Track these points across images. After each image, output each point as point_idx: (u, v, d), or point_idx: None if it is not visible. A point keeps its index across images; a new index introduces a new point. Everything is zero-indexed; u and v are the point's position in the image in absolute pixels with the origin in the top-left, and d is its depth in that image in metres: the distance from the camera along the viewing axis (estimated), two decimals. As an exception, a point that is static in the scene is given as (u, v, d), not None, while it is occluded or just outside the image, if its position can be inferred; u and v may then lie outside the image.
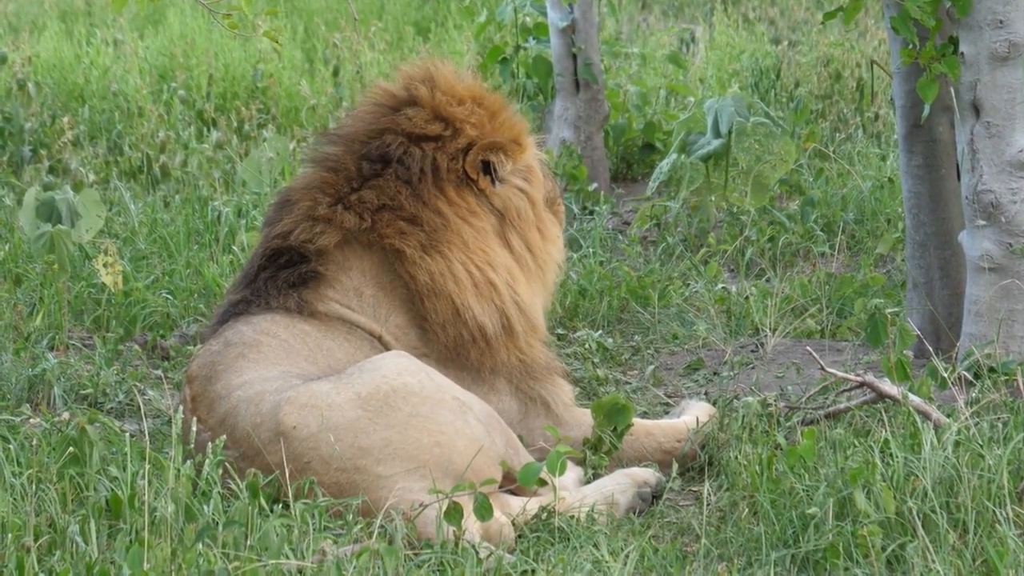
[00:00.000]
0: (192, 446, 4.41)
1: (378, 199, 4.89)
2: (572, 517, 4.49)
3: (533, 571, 4.14)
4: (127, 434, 4.51)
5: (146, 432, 4.49)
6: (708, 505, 4.57)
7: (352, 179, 4.93)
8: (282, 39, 10.80)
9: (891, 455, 4.29)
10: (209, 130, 9.70)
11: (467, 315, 4.89)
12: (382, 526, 4.21)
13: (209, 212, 7.55)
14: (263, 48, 10.44)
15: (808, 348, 5.46)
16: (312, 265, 4.86)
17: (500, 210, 5.01)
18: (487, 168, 4.97)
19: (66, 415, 4.82)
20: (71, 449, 4.37)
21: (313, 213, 4.90)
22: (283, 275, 4.86)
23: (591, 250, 7.24)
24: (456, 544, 4.20)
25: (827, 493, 4.20)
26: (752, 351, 6.16)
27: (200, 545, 3.93)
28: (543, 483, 4.49)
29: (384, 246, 4.88)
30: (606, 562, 4.16)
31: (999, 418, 4.68)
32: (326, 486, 4.35)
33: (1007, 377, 5.06)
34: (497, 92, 5.12)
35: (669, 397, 5.66)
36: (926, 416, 4.60)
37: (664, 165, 7.85)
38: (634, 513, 4.67)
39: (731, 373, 5.84)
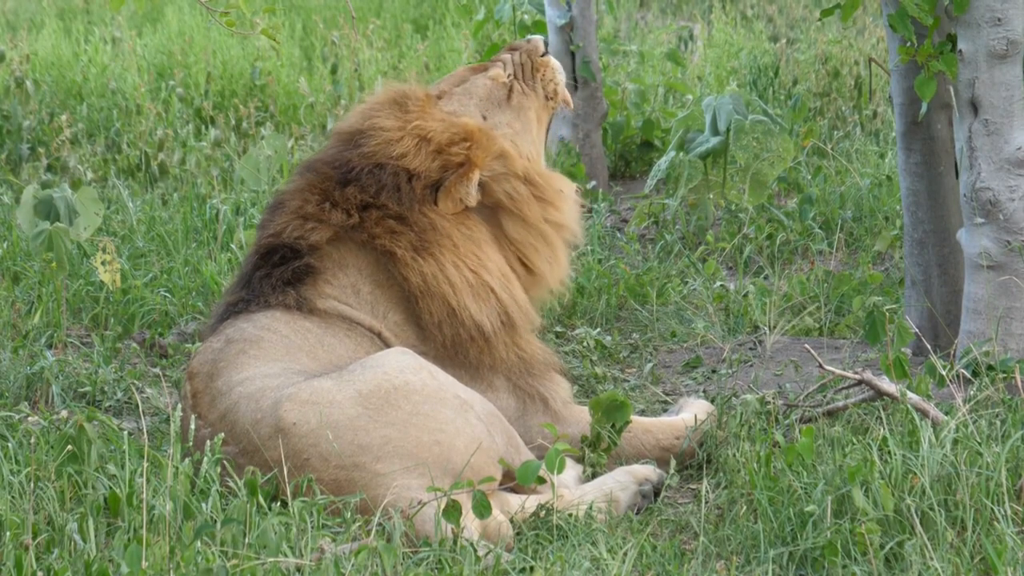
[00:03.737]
0: (192, 443, 4.42)
1: (360, 196, 4.91)
2: (571, 515, 4.49)
3: (531, 569, 4.15)
4: (125, 432, 4.51)
5: (144, 430, 4.49)
6: (706, 503, 4.57)
7: (336, 180, 4.96)
8: (280, 37, 10.80)
9: (889, 453, 4.29)
10: (207, 128, 9.70)
11: (464, 315, 4.90)
12: (380, 524, 4.21)
13: (207, 210, 7.55)
14: (261, 46, 10.43)
15: (806, 346, 5.46)
16: (305, 260, 4.88)
17: (492, 206, 5.04)
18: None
19: (64, 413, 4.83)
20: (69, 447, 4.37)
21: (303, 212, 4.93)
22: (277, 272, 4.87)
23: (589, 248, 7.24)
24: (454, 542, 4.20)
25: (825, 491, 4.20)
26: (750, 349, 6.16)
27: (198, 543, 3.93)
28: (542, 481, 4.49)
29: (376, 247, 4.90)
30: (604, 560, 4.16)
31: (997, 415, 4.69)
32: (325, 483, 4.35)
33: (1005, 375, 5.06)
34: (437, 116, 5.08)
35: (667, 395, 5.66)
36: (924, 414, 4.60)
37: (662, 163, 7.85)
38: (634, 511, 4.67)
39: (729, 371, 5.85)
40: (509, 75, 5.18)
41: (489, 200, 5.03)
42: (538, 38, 5.29)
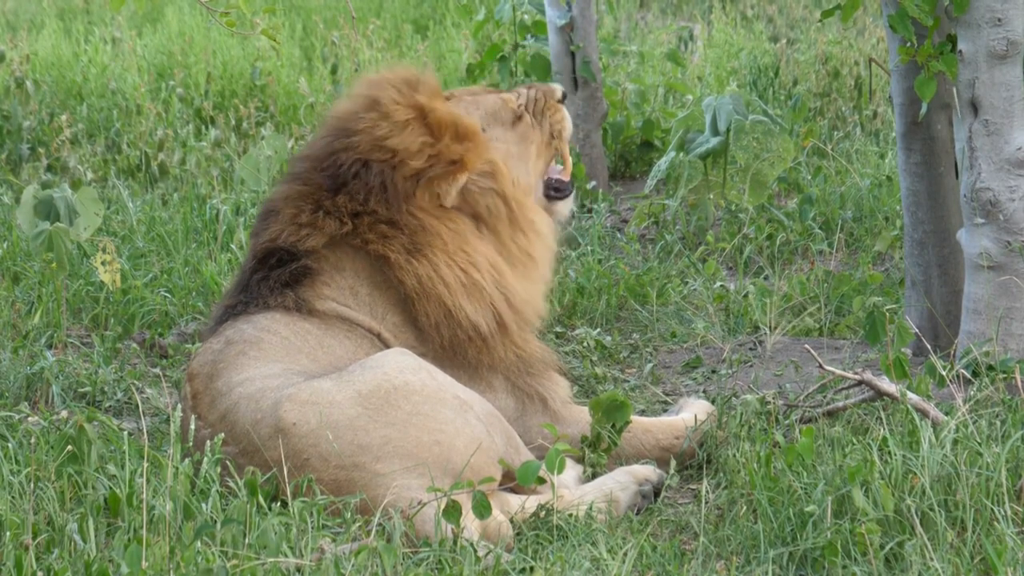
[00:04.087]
0: (192, 444, 4.42)
1: (351, 204, 4.92)
2: (571, 515, 4.50)
3: (531, 569, 4.15)
4: (125, 432, 4.51)
5: (144, 430, 4.49)
6: (706, 503, 4.57)
7: (325, 188, 4.97)
8: (280, 37, 10.79)
9: (889, 453, 4.29)
10: (207, 128, 9.70)
11: (460, 315, 4.91)
12: (380, 524, 4.21)
13: (207, 210, 7.55)
14: (261, 46, 10.43)
15: (806, 346, 5.46)
16: (302, 261, 4.89)
17: (471, 215, 5.04)
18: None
19: (64, 413, 4.83)
20: (69, 447, 4.37)
21: (297, 220, 4.94)
22: (275, 275, 4.89)
23: (589, 248, 7.24)
24: (454, 542, 4.20)
25: (825, 491, 4.20)
26: (750, 349, 6.16)
27: (198, 543, 3.93)
28: (542, 481, 4.49)
29: (369, 252, 4.91)
30: (604, 560, 4.16)
31: (997, 415, 4.69)
32: (325, 483, 4.35)
33: (1005, 375, 5.06)
34: (443, 105, 5.07)
35: (667, 395, 5.66)
36: (924, 414, 4.60)
37: (662, 163, 7.85)
38: (634, 511, 4.67)
39: (729, 371, 5.85)
40: (520, 104, 5.22)
41: (468, 209, 5.04)
42: (559, 86, 5.35)
